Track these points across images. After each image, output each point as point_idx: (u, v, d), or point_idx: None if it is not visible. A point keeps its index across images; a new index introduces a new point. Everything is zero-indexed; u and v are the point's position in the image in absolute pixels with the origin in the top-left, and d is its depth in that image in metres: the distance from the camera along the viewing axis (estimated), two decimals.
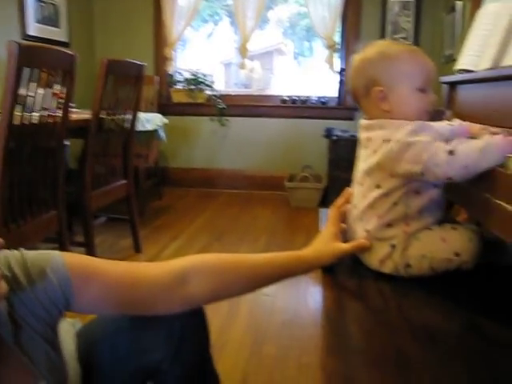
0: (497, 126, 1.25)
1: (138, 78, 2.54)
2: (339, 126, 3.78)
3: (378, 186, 1.05)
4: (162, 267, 0.84)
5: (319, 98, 4.15)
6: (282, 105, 4.13)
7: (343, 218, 1.12)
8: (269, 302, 2.25)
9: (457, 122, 1.20)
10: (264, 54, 7.44)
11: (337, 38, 4.08)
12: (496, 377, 0.70)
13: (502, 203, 0.81)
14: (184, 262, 0.86)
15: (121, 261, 0.92)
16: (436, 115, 1.79)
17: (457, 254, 1.00)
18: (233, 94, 4.44)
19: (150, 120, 3.05)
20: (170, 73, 4.26)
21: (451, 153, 0.90)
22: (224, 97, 4.22)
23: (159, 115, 3.30)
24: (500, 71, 1.32)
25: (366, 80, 1.07)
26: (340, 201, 1.14)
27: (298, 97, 4.14)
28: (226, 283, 0.89)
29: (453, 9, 3.32)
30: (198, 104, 4.19)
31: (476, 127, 1.16)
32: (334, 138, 3.58)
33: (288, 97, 4.15)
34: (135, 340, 0.85)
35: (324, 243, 1.04)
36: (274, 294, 2.29)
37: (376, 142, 1.04)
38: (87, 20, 4.32)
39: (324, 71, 4.31)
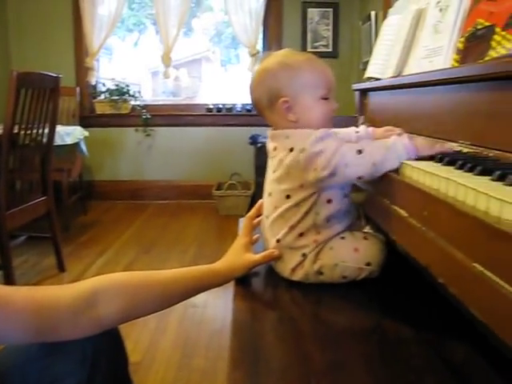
0: (401, 127, 1.34)
1: (54, 91, 2.46)
2: (265, 133, 3.82)
3: (288, 197, 1.09)
4: (68, 290, 0.82)
5: (244, 105, 4.21)
6: (207, 113, 4.15)
7: (256, 228, 1.17)
8: (198, 313, 2.25)
9: (362, 127, 1.27)
10: (192, 62, 7.43)
11: (260, 46, 4.16)
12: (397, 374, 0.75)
13: (397, 208, 0.87)
14: (91, 283, 0.84)
15: (23, 286, 0.88)
16: (349, 122, 1.89)
17: (368, 264, 1.07)
18: (158, 103, 4.40)
19: (69, 133, 2.97)
20: (92, 83, 4.15)
21: (360, 152, 0.96)
22: (148, 107, 4.17)
23: (79, 128, 3.22)
24: (400, 80, 1.42)
25: (269, 92, 1.08)
26: (252, 212, 1.19)
27: (223, 105, 4.17)
28: (138, 302, 0.88)
29: (368, 18, 3.49)
30: (122, 115, 4.12)
31: (379, 130, 1.24)
32: (259, 145, 3.64)
33: (213, 105, 4.18)
34: (46, 367, 0.81)
35: (236, 255, 1.07)
36: (203, 305, 2.29)
37: (282, 151, 1.07)
38: (1, 30, 4.13)
39: (248, 79, 4.37)
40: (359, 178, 1.00)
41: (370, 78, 1.74)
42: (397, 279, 1.10)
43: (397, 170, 0.96)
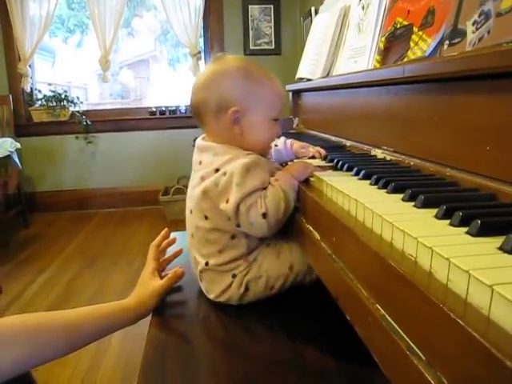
0: (331, 132, 1.28)
1: None
2: None
3: (206, 218, 1.00)
4: None
5: (187, 106, 4.09)
6: (150, 117, 4.00)
7: (162, 254, 1.11)
8: (139, 331, 2.14)
9: (281, 141, 1.19)
10: (139, 62, 7.24)
11: (201, 45, 4.05)
12: None
13: (311, 229, 0.80)
14: None
15: None
16: (286, 124, 1.82)
17: (291, 267, 1.00)
18: (98, 108, 4.22)
19: None
20: (27, 90, 3.93)
21: (264, 216, 0.88)
22: (89, 112, 3.99)
23: (9, 140, 3.03)
24: (324, 81, 1.36)
25: (220, 96, 0.97)
26: (158, 240, 1.14)
27: (166, 107, 4.04)
28: (36, 348, 0.80)
29: (309, 13, 3.43)
30: (61, 122, 3.92)
31: (297, 146, 1.17)
32: None
33: (156, 108, 4.04)
34: None
35: (144, 286, 1.01)
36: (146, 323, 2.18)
37: (206, 168, 0.98)
38: None
39: (191, 79, 4.26)
40: (263, 234, 0.95)
41: (301, 79, 1.68)
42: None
43: (309, 184, 0.90)
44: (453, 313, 0.37)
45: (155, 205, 3.90)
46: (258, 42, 3.95)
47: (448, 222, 0.54)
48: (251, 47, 3.94)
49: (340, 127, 1.27)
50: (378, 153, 1.01)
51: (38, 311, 2.33)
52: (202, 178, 0.98)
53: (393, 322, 0.48)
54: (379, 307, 0.51)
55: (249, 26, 3.95)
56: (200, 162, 1.01)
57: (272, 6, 3.92)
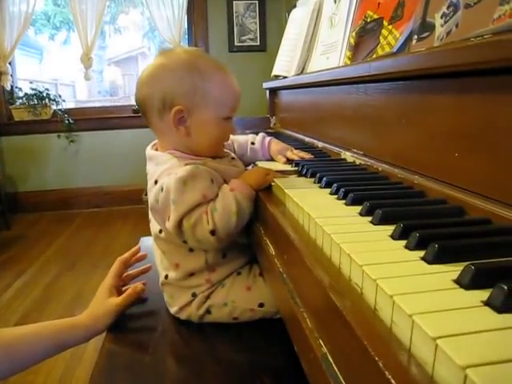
0: (304, 132, 1.20)
1: None
2: None
3: (160, 231, 0.93)
4: None
5: None
6: (133, 115, 3.91)
7: (126, 269, 1.04)
8: None
9: (258, 139, 1.11)
10: (127, 59, 7.16)
11: (185, 42, 3.95)
12: None
13: (267, 242, 0.73)
14: None
15: None
16: (263, 122, 1.75)
17: (261, 305, 0.92)
18: (81, 106, 4.13)
19: None
20: (7, 88, 3.83)
21: (213, 233, 0.80)
22: (72, 111, 3.90)
23: None
24: (296, 79, 1.28)
25: (164, 93, 0.87)
26: (126, 255, 1.07)
27: None
28: None
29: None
30: (43, 121, 3.82)
31: (275, 148, 1.09)
32: None
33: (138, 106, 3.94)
34: None
35: (99, 303, 0.94)
36: None
37: (150, 179, 0.91)
38: None
39: None
40: (215, 247, 0.87)
41: (277, 76, 1.60)
42: None
43: (270, 190, 0.82)
44: (389, 370, 0.30)
45: (139, 204, 3.82)
46: (243, 38, 3.86)
47: (405, 242, 0.47)
48: (236, 43, 3.85)
49: (313, 127, 1.20)
50: (348, 156, 0.94)
51: (13, 317, 2.26)
52: (149, 191, 0.91)
53: (334, 365, 0.41)
54: (322, 343, 0.44)
55: (233, 22, 3.86)
56: (148, 172, 0.94)
57: (257, 2, 3.83)
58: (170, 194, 0.81)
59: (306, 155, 1.01)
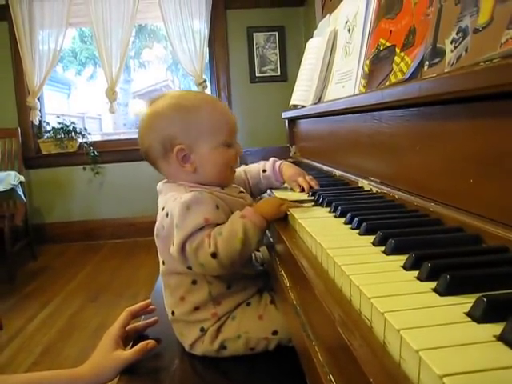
0: (323, 160, 1.19)
1: None
2: None
3: (163, 263, 0.94)
4: None
5: None
6: None
7: (133, 320, 1.02)
8: None
9: (269, 165, 1.11)
10: (152, 92, 7.33)
11: (207, 74, 4.03)
12: None
13: (282, 273, 0.72)
14: None
15: None
16: (283, 152, 1.75)
17: (274, 333, 0.90)
18: (106, 139, 4.22)
19: (2, 180, 2.76)
20: (35, 123, 3.95)
21: (214, 256, 0.79)
22: (97, 143, 3.99)
23: (13, 173, 3.01)
24: (313, 108, 1.29)
25: (162, 139, 0.91)
26: (135, 307, 1.04)
27: None
28: None
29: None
30: (69, 153, 3.92)
31: (289, 174, 1.09)
32: None
33: None
34: None
35: (104, 355, 0.88)
36: None
37: (159, 208, 0.92)
38: None
39: None
40: (218, 274, 0.86)
41: (295, 106, 1.61)
42: None
43: (286, 218, 0.82)
44: None
45: None
46: (264, 69, 3.91)
47: (417, 273, 0.46)
48: (257, 74, 3.91)
49: (331, 156, 1.19)
50: (365, 184, 0.93)
51: (37, 348, 2.27)
52: (158, 220, 0.92)
53: None
54: (332, 379, 0.43)
55: (254, 53, 3.93)
56: (158, 206, 0.95)
57: (277, 33, 3.89)
58: (174, 218, 0.82)
59: (316, 185, 1.01)
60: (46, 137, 3.94)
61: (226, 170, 0.96)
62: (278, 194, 1.01)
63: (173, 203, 0.84)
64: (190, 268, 0.84)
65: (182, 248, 0.80)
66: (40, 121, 4.00)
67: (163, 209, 0.88)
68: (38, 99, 3.95)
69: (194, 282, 0.90)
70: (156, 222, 0.92)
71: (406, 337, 0.33)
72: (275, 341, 0.90)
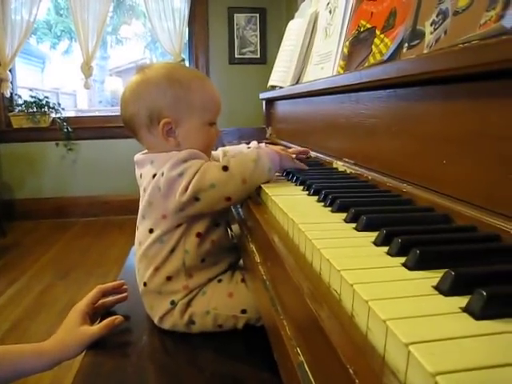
0: (299, 142, 1.20)
1: None
2: None
3: (150, 231, 0.92)
4: None
5: None
6: None
7: (101, 298, 1.00)
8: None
9: (252, 145, 1.12)
10: (129, 70, 7.18)
11: (186, 53, 3.97)
12: None
13: (253, 249, 0.72)
14: None
15: None
16: (259, 133, 1.74)
17: (243, 311, 0.90)
18: (80, 115, 4.13)
19: None
20: (6, 96, 3.83)
21: (225, 169, 0.80)
22: (71, 119, 3.89)
23: None
24: (290, 89, 1.28)
25: (150, 108, 0.90)
26: (107, 285, 1.03)
27: None
28: None
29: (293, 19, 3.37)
30: (42, 128, 3.82)
31: (274, 148, 1.09)
32: None
33: None
34: None
35: (69, 330, 0.87)
36: None
37: (146, 179, 0.91)
38: None
39: None
40: (228, 199, 0.83)
41: (273, 87, 1.60)
42: None
43: (259, 195, 0.81)
44: (360, 379, 0.29)
45: (136, 214, 3.81)
46: (244, 50, 3.88)
47: (387, 249, 0.46)
48: (236, 56, 3.87)
49: (307, 137, 1.19)
50: (339, 165, 0.94)
51: (4, 325, 2.23)
52: (145, 190, 0.91)
53: (309, 375, 0.39)
54: (299, 352, 0.43)
55: (234, 34, 3.88)
56: (141, 176, 0.94)
57: (258, 15, 3.85)
58: (173, 171, 0.82)
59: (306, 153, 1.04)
60: (17, 110, 3.83)
61: (206, 148, 0.96)
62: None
63: (170, 161, 0.84)
64: (195, 200, 0.82)
65: (190, 182, 0.80)
66: (11, 93, 3.88)
67: (154, 175, 0.87)
68: (10, 71, 3.83)
69: (172, 251, 0.90)
70: (145, 195, 0.90)
71: (374, 307, 0.33)
72: (244, 319, 0.90)
